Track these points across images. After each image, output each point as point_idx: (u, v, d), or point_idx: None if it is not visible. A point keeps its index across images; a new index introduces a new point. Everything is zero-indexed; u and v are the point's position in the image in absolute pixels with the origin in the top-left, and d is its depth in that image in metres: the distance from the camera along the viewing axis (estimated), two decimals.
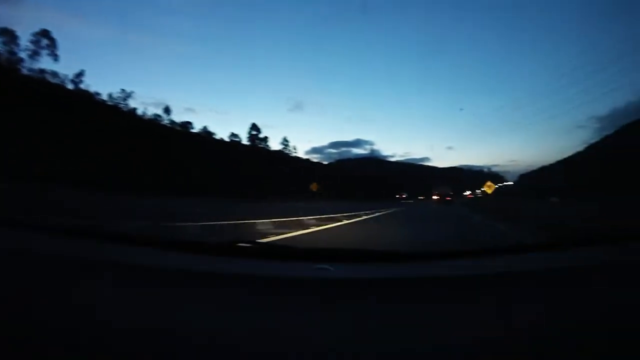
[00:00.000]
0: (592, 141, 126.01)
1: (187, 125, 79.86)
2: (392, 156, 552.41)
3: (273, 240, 5.78)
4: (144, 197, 22.69)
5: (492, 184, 27.16)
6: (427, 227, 10.65)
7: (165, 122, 72.34)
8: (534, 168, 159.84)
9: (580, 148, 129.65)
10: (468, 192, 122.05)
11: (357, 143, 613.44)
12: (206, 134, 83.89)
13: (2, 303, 0.87)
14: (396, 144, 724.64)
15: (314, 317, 0.85)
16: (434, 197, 47.71)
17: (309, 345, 0.73)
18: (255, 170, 65.28)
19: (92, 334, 0.74)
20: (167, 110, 74.93)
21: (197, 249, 1.44)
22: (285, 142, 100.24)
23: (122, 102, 61.29)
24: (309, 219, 10.81)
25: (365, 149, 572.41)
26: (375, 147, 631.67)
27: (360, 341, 0.75)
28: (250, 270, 1.19)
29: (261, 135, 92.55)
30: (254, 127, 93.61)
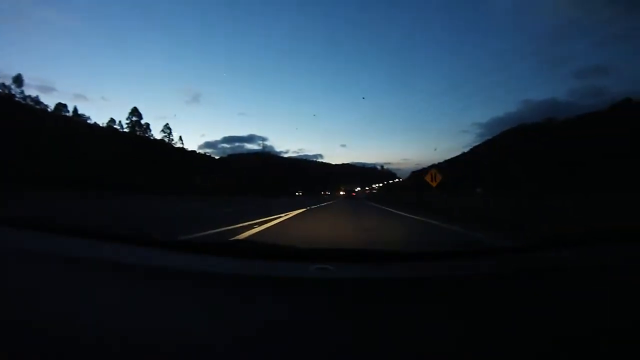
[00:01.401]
0: (475, 144, 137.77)
1: (61, 107, 65.68)
2: (285, 152, 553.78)
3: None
4: None
5: (437, 173, 18.52)
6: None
7: (18, 97, 57.21)
8: (424, 166, 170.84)
9: (465, 149, 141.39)
10: (358, 189, 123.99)
11: (251, 138, 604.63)
12: (76, 116, 69.20)
13: (2, 303, 0.87)
14: (290, 140, 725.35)
15: (314, 317, 0.85)
16: (342, 193, 54.10)
17: (309, 345, 0.73)
18: (122, 160, 53.45)
19: (92, 333, 0.74)
20: (18, 80, 59.11)
21: (197, 248, 1.45)
22: (167, 129, 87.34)
23: None
24: None
25: (259, 145, 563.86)
26: (268, 143, 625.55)
27: (360, 341, 0.75)
28: (250, 270, 1.20)
29: (143, 122, 79.83)
30: (135, 112, 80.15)
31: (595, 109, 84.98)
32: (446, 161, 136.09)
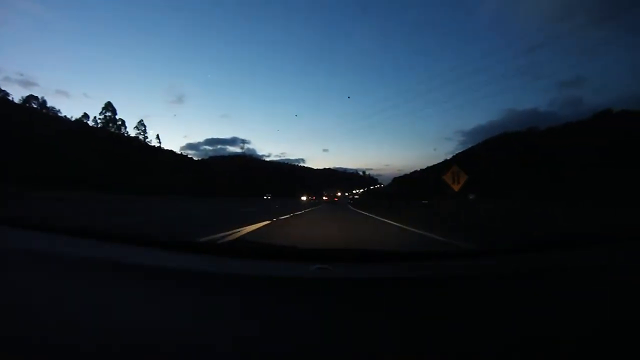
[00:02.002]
0: (458, 151, 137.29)
1: (31, 100, 62.13)
2: (268, 156, 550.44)
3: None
4: None
5: (460, 172, 12.55)
6: None
7: None
8: (407, 172, 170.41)
9: (448, 156, 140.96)
10: (339, 194, 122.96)
11: (234, 141, 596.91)
12: (44, 108, 65.30)
13: (2, 303, 0.88)
14: (273, 144, 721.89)
15: (314, 317, 0.86)
16: (324, 198, 58.54)
17: (309, 344, 0.73)
18: (86, 155, 49.38)
19: (93, 333, 0.74)
20: None
21: (197, 248, 1.46)
22: (141, 126, 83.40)
23: None
24: None
25: (240, 147, 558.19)
26: (251, 146, 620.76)
27: (360, 340, 0.75)
28: (250, 270, 1.21)
29: (118, 118, 75.75)
30: (109, 107, 76.08)
31: (574, 119, 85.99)
32: (429, 167, 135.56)
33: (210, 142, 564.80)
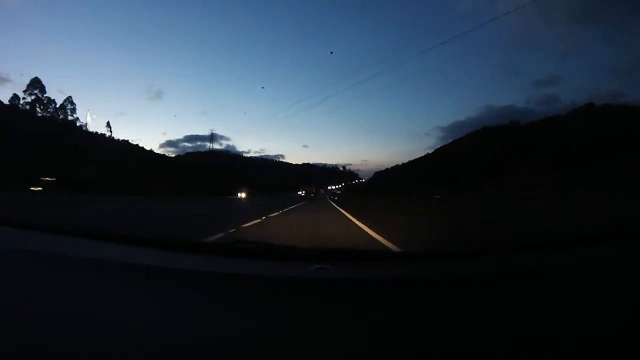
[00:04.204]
0: (438, 146, 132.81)
1: None
2: (247, 152, 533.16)
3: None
4: None
5: None
6: None
7: None
8: (388, 166, 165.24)
9: (429, 151, 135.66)
10: (316, 190, 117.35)
11: (212, 138, 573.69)
12: None
13: (2, 302, 0.87)
14: (252, 140, 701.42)
15: (313, 317, 0.85)
16: (301, 193, 53.20)
17: (309, 344, 0.73)
18: None
19: (92, 333, 0.73)
20: None
21: (197, 249, 1.49)
22: (69, 104, 69.11)
23: None
24: None
25: (220, 144, 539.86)
26: (231, 143, 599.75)
27: (359, 340, 0.74)
28: (250, 270, 1.21)
29: (45, 97, 63.28)
30: (36, 84, 63.62)
31: (551, 114, 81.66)
32: (410, 162, 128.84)
33: (190, 139, 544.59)
